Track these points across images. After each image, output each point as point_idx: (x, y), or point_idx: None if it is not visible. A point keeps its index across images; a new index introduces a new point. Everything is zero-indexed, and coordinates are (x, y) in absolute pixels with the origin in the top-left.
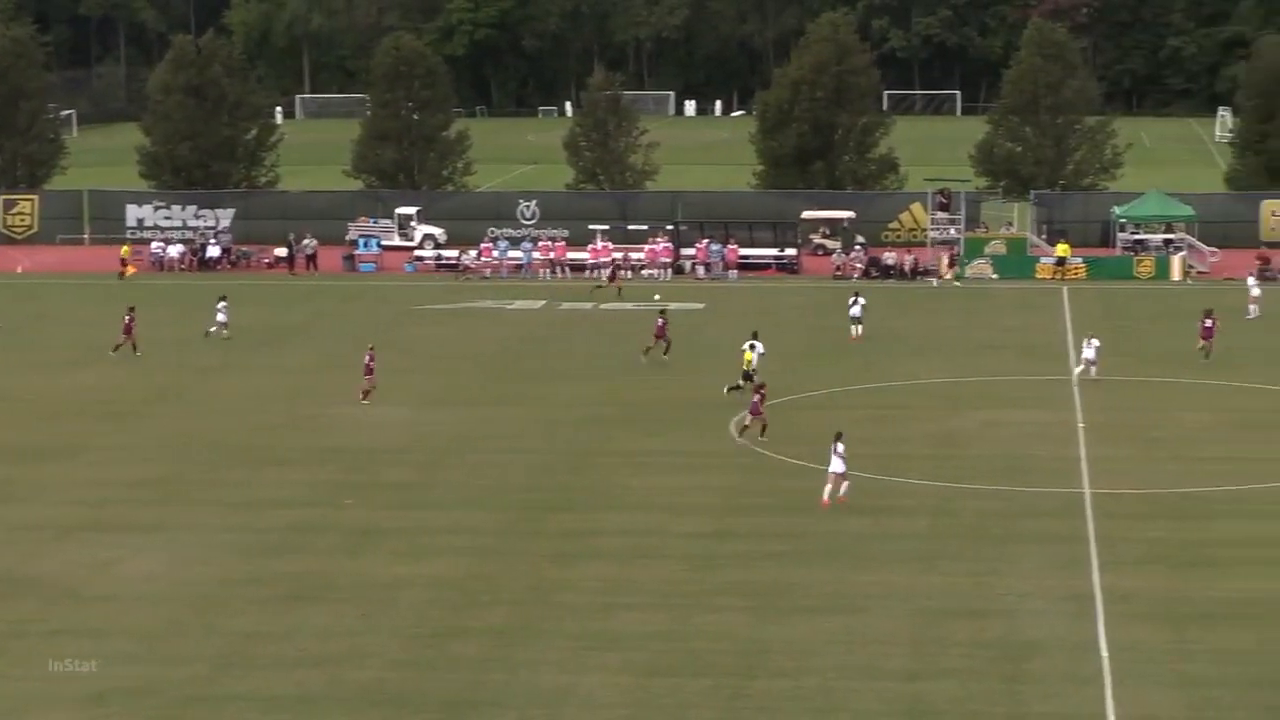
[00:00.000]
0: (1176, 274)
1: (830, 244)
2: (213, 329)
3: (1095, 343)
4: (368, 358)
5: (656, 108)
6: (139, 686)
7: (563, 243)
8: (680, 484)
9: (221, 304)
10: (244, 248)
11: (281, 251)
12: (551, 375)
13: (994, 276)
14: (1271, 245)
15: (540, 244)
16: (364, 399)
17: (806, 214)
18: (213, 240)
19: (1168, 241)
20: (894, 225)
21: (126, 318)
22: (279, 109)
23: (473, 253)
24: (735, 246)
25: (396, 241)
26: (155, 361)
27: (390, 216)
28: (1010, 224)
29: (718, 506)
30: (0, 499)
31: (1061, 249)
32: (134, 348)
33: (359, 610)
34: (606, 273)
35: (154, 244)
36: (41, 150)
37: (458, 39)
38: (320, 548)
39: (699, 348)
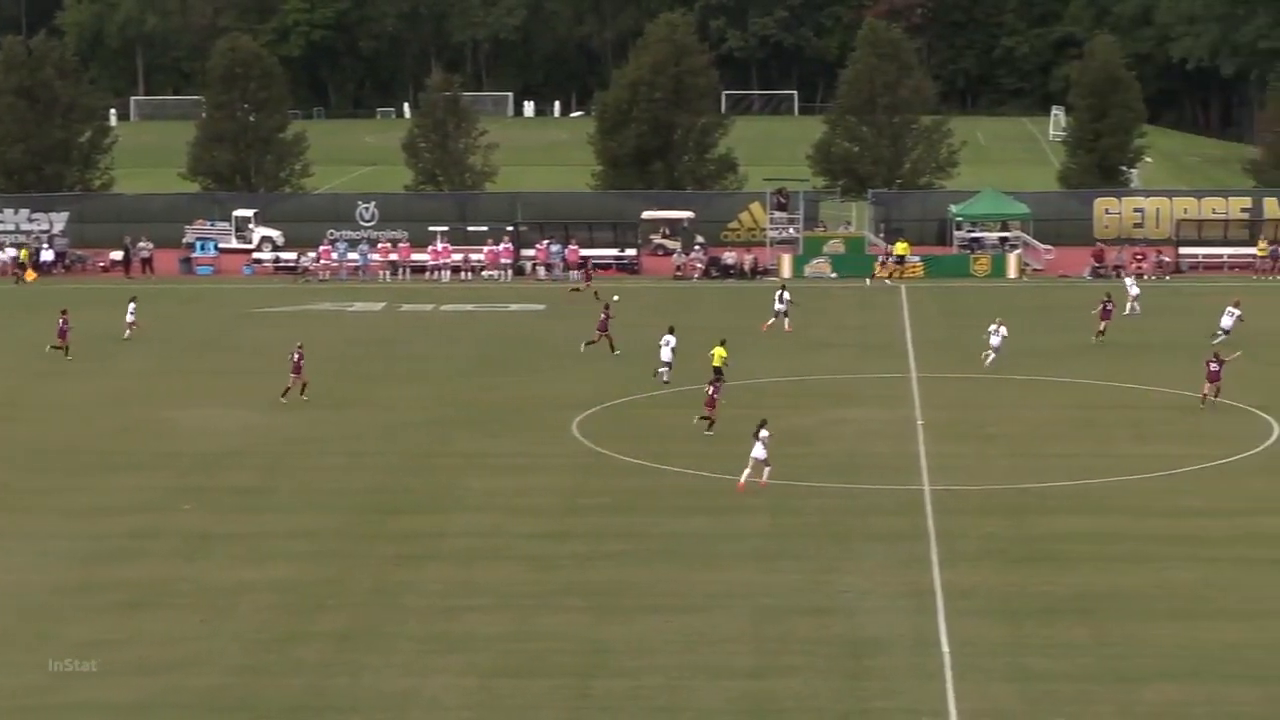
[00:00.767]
0: (1013, 271)
1: (670, 244)
2: (127, 332)
3: (1003, 331)
4: (296, 356)
5: (495, 109)
6: None
7: (406, 244)
8: (521, 485)
9: (131, 305)
10: (79, 251)
11: (117, 255)
12: (392, 377)
13: (833, 275)
14: (1105, 242)
15: (379, 246)
16: (296, 396)
17: (646, 214)
18: (46, 245)
19: (1003, 239)
20: (733, 225)
21: (60, 320)
22: (113, 111)
23: (311, 255)
24: (576, 247)
25: (234, 244)
26: None
27: (228, 219)
28: (848, 223)
29: (559, 507)
30: None
31: (900, 248)
32: (65, 350)
33: (199, 616)
34: (581, 274)
35: None
36: None
37: (294, 40)
38: (159, 553)
39: (539, 349)
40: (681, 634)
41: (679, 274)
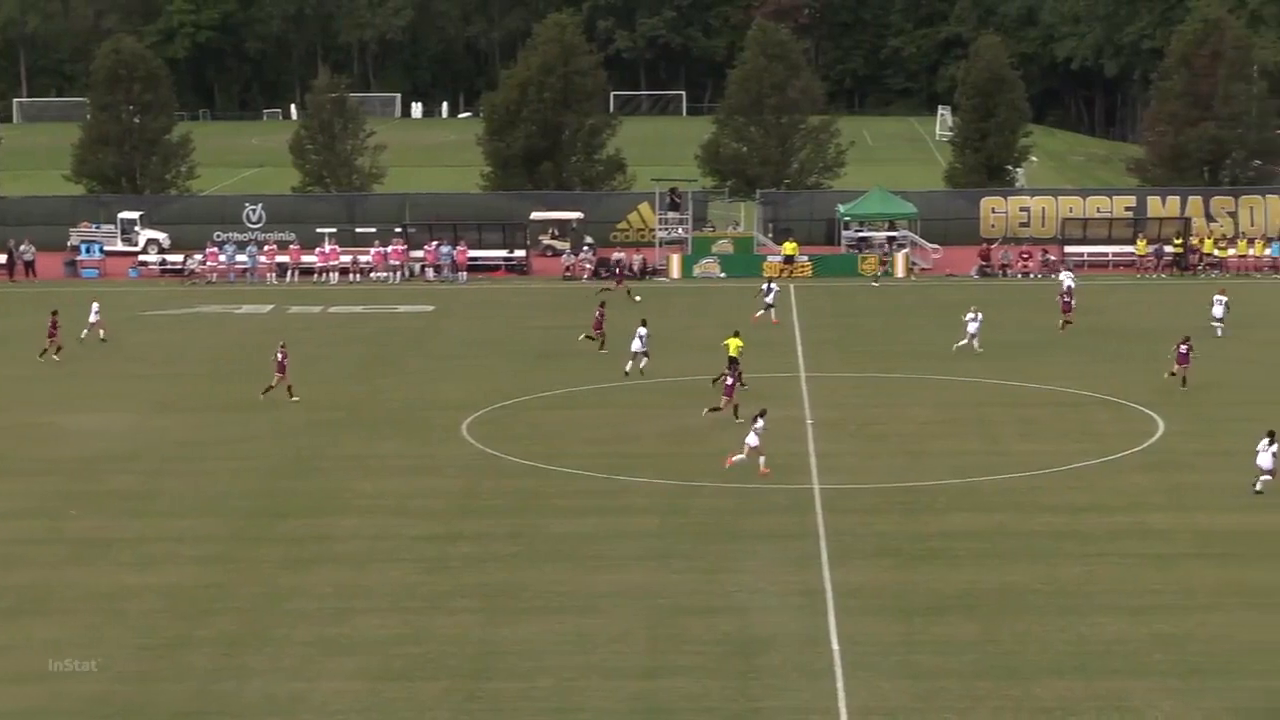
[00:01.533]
0: (900, 271)
1: (559, 245)
2: (84, 333)
3: (980, 316)
4: (280, 355)
5: (383, 110)
6: None
7: (294, 246)
8: (411, 487)
9: (94, 306)
10: None
11: (0, 258)
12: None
13: (722, 275)
14: (991, 241)
15: (267, 248)
16: (282, 395)
17: (535, 215)
18: None
19: (891, 239)
20: (622, 225)
21: (50, 321)
22: None
23: (198, 257)
24: (464, 248)
25: (120, 247)
26: None
27: (113, 221)
28: (737, 223)
29: (449, 509)
30: None
31: (789, 247)
32: (56, 350)
33: (85, 622)
34: (615, 277)
35: None
36: None
37: (179, 41)
38: (44, 560)
39: (428, 350)
40: (573, 635)
41: (568, 275)
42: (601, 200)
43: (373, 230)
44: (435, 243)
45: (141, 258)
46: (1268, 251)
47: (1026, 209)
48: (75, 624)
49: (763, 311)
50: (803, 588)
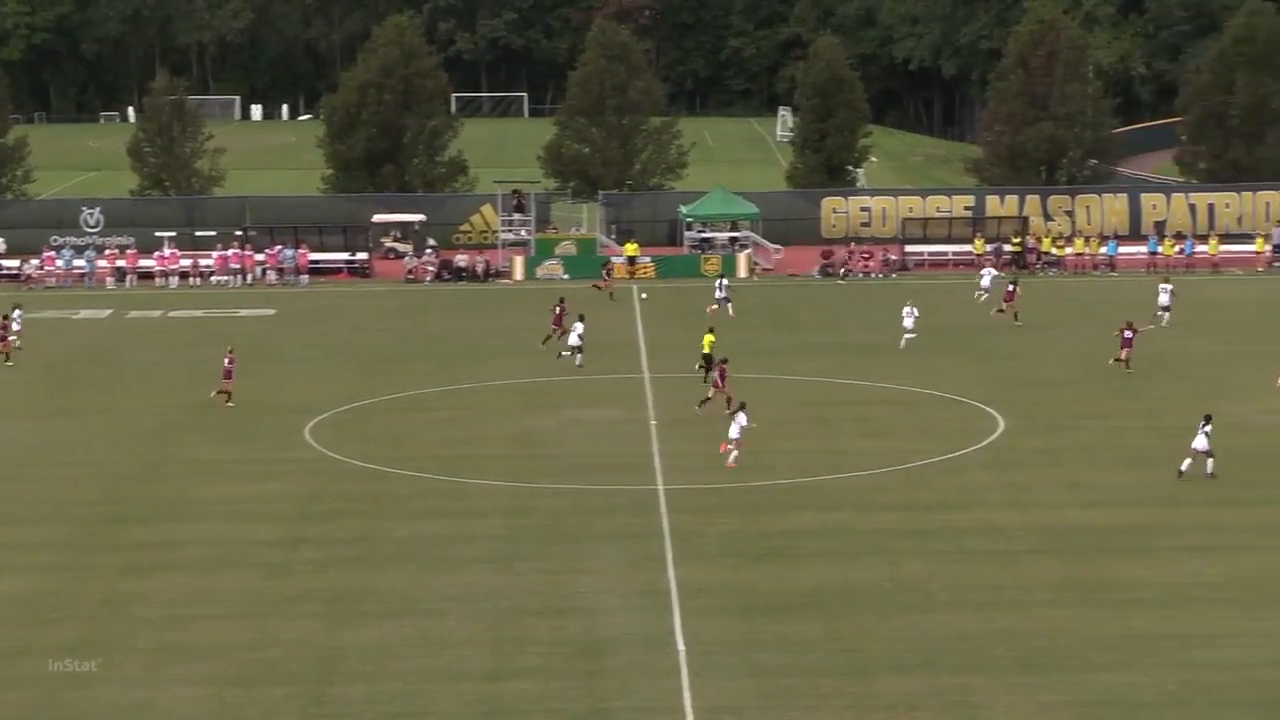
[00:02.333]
0: (743, 271)
1: (402, 247)
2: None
3: (915, 312)
4: (227, 361)
5: (222, 112)
6: None
7: (133, 250)
8: (254, 492)
9: (16, 313)
10: None
11: None
12: (120, 385)
13: (565, 277)
14: (831, 241)
15: (106, 252)
16: (227, 400)
17: (377, 217)
18: None
19: (733, 239)
20: (465, 227)
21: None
22: None
23: (35, 262)
24: (306, 251)
25: None
26: None
27: None
28: (579, 225)
29: (292, 513)
30: None
31: (631, 248)
32: (6, 356)
33: None
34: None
35: None
36: None
37: (14, 43)
38: None
39: (270, 354)
40: (418, 638)
41: (411, 277)
42: (444, 202)
43: (213, 234)
44: (276, 246)
45: None
46: (1104, 250)
47: (867, 209)
48: None
49: (717, 306)
50: (647, 588)
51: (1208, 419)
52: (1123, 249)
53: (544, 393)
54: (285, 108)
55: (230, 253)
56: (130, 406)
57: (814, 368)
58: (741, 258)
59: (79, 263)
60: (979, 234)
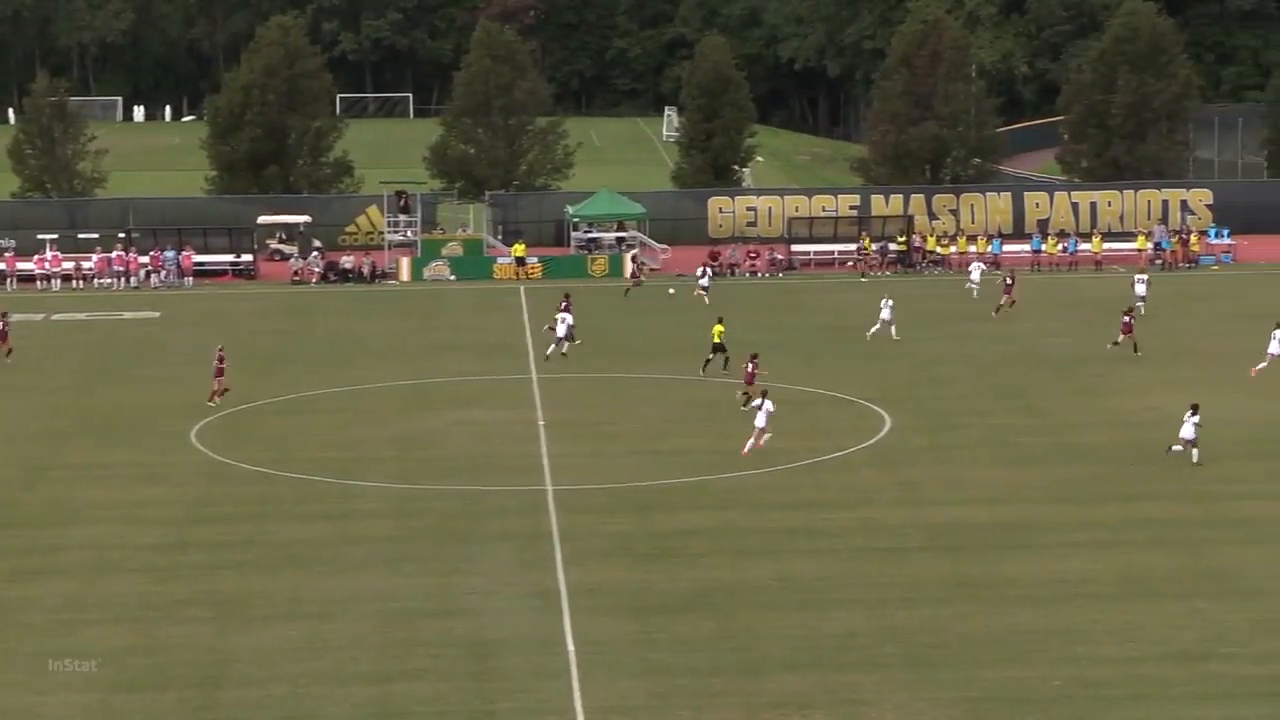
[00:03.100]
0: (628, 271)
1: (287, 248)
2: None
3: (890, 303)
4: (217, 358)
5: (104, 114)
6: None
7: (12, 253)
8: (140, 496)
9: None
10: None
11: None
12: (2, 388)
13: (452, 278)
14: (718, 241)
15: None
16: (214, 401)
17: (263, 219)
18: None
19: (620, 239)
20: (351, 229)
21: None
22: None
23: None
24: (190, 253)
25: None
26: None
27: None
28: (466, 225)
29: (179, 517)
30: None
31: (518, 249)
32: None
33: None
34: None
35: None
36: None
37: None
38: None
39: (155, 357)
40: (307, 641)
41: (296, 279)
42: (329, 204)
43: (95, 236)
44: (160, 248)
45: None
46: (989, 249)
47: (753, 208)
48: None
49: (701, 292)
50: (537, 589)
51: (1195, 409)
52: (1007, 247)
53: (432, 394)
54: (168, 109)
55: (114, 255)
56: (13, 410)
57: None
58: (628, 258)
59: None
60: (866, 233)
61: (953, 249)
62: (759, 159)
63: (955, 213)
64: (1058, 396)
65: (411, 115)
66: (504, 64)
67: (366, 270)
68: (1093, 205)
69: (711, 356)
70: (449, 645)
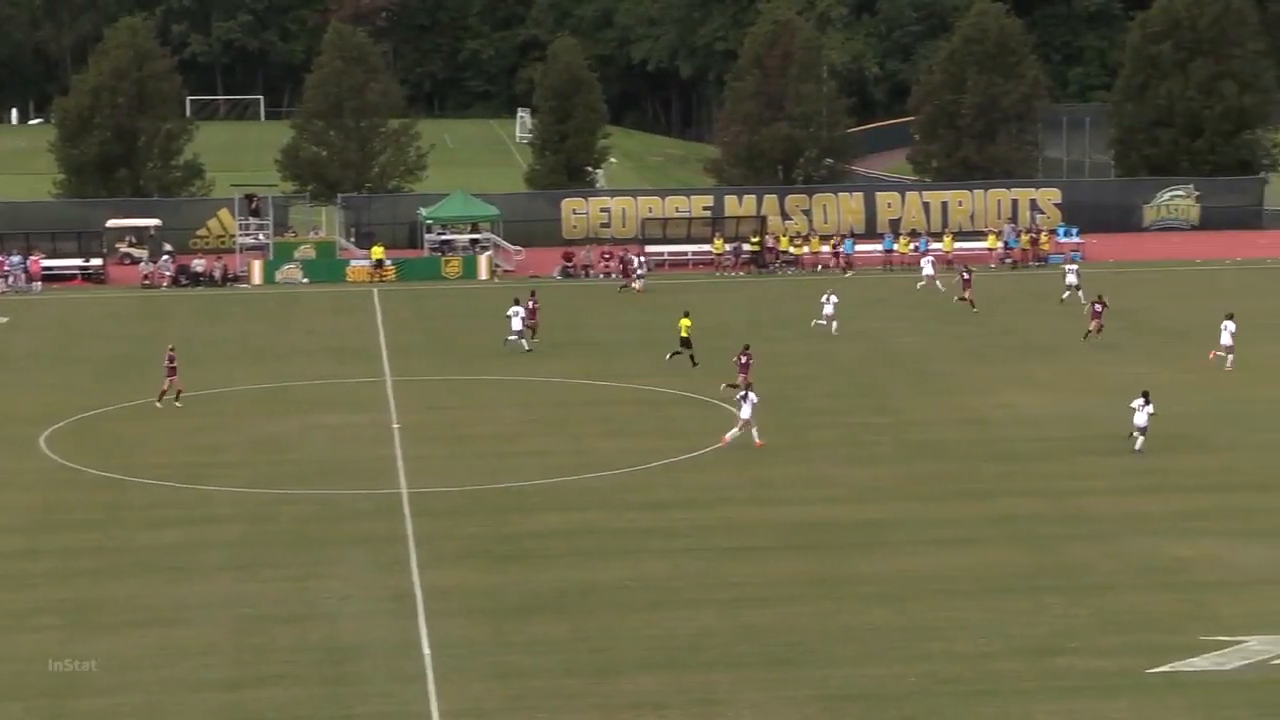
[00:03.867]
0: (484, 273)
1: (137, 252)
2: None
3: (834, 299)
4: (168, 358)
5: None
6: None
7: None
8: None
9: None
10: None
11: None
12: None
13: (304, 280)
14: (572, 242)
15: None
16: (168, 401)
17: (112, 222)
18: None
19: (474, 241)
20: (202, 232)
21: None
22: None
23: None
24: (38, 258)
25: None
26: None
27: None
28: (318, 228)
29: (29, 524)
30: None
31: (378, 251)
32: None
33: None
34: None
35: None
36: None
37: None
38: None
39: (3, 363)
40: (159, 648)
41: (147, 283)
42: (180, 207)
43: None
44: (7, 253)
45: None
46: (841, 249)
47: (607, 210)
48: None
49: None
50: (393, 592)
51: (1146, 396)
52: (859, 247)
53: (285, 398)
54: (15, 112)
55: None
56: (175, 406)
57: (557, 368)
58: (482, 260)
59: None
60: (719, 234)
61: (805, 249)
62: (612, 160)
63: (808, 213)
64: (912, 395)
65: (263, 118)
66: (356, 66)
67: (218, 274)
68: (944, 205)
69: (680, 350)
70: (304, 650)
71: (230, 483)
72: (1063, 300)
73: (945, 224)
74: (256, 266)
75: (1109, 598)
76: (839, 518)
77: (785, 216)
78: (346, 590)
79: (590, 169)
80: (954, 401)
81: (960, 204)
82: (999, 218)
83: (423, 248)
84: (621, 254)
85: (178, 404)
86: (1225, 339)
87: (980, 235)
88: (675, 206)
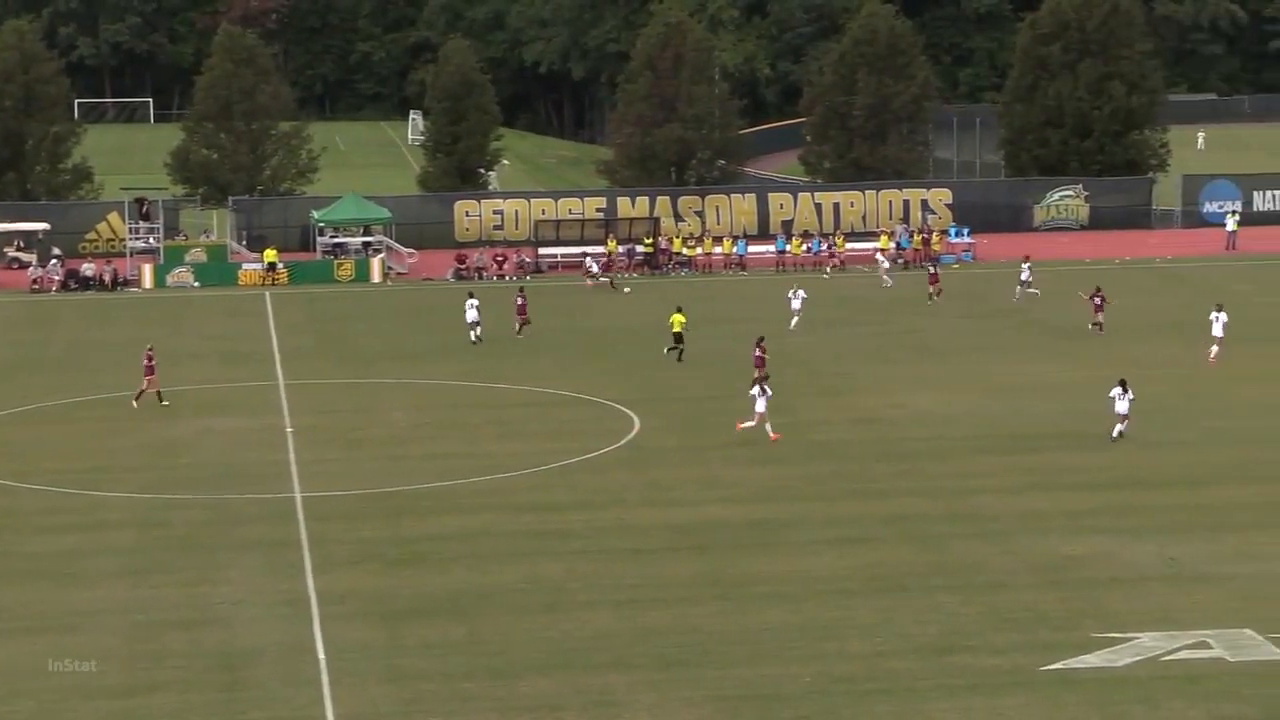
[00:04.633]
0: (376, 275)
1: (25, 256)
2: None
3: (801, 294)
4: (146, 359)
5: None
6: None
7: None
8: None
9: None
10: None
11: None
12: None
13: (195, 284)
14: (465, 245)
15: None
16: (146, 400)
17: None
18: None
19: (367, 244)
20: (92, 236)
21: None
22: None
23: None
24: None
25: None
26: None
27: None
28: (209, 231)
29: None
30: None
31: (270, 254)
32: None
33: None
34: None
35: None
36: None
37: None
38: None
39: None
40: (51, 655)
41: (35, 287)
42: (68, 211)
43: None
44: None
45: None
46: (734, 250)
47: (500, 211)
48: None
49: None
50: (287, 597)
51: (1124, 385)
52: (752, 248)
53: (178, 403)
54: None
55: None
56: (161, 405)
57: (450, 370)
58: (375, 262)
59: None
60: (612, 235)
61: (699, 250)
62: (505, 162)
63: (701, 214)
64: (807, 395)
65: (152, 120)
66: (246, 68)
67: (108, 278)
68: (836, 206)
69: (675, 345)
70: (198, 656)
71: (123, 488)
72: (1015, 301)
73: (837, 225)
74: (147, 270)
75: (1002, 596)
76: (734, 518)
77: (678, 218)
78: (240, 595)
79: (483, 171)
80: (850, 401)
81: (852, 205)
82: (891, 218)
83: (315, 251)
84: (581, 257)
85: (164, 403)
86: (1217, 330)
87: (872, 236)
88: (568, 208)
